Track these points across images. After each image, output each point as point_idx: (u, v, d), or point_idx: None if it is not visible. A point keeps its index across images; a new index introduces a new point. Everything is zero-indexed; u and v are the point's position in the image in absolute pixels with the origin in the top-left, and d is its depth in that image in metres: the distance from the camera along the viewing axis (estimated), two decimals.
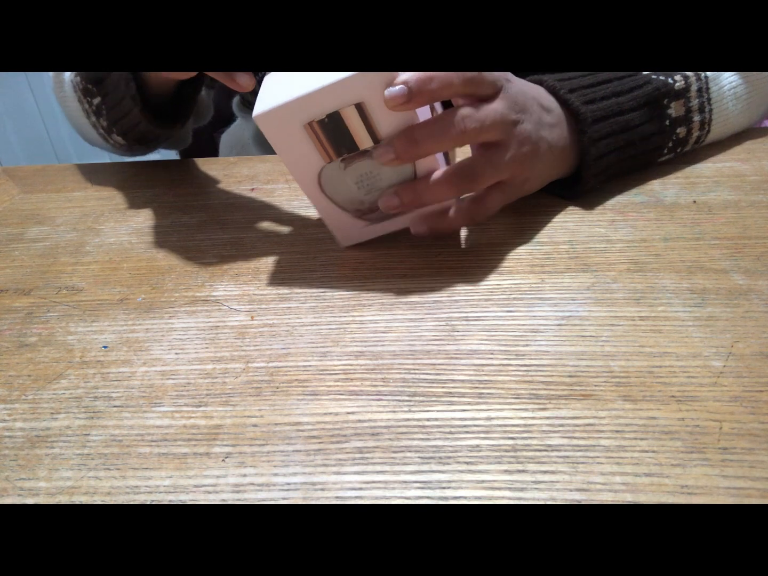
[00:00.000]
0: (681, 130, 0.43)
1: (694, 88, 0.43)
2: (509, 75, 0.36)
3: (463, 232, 0.40)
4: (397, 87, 0.31)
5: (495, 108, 0.34)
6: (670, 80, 0.42)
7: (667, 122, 0.42)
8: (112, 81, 0.46)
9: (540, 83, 0.40)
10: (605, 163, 0.40)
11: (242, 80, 0.35)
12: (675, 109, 0.42)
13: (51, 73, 0.52)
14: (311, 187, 0.36)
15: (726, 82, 0.44)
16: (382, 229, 0.38)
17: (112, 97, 0.47)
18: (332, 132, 0.33)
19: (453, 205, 0.36)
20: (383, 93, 0.31)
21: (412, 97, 0.31)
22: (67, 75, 0.49)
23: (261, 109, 0.32)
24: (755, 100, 0.47)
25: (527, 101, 0.36)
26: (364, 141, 0.33)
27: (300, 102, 0.31)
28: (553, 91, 0.39)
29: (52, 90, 0.55)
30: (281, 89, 0.33)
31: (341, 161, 0.34)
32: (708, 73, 0.43)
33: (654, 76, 0.42)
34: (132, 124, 0.48)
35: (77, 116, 0.51)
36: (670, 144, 0.43)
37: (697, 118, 0.43)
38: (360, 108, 0.32)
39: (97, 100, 0.48)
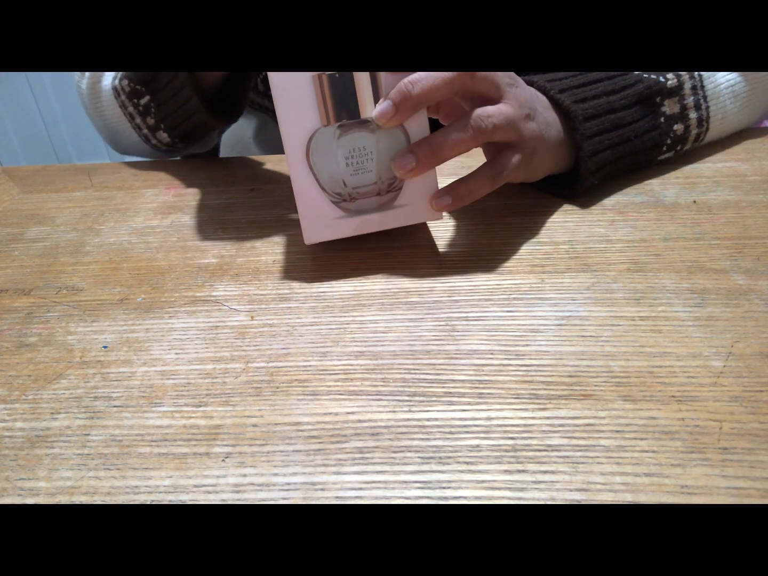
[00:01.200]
0: (678, 127, 0.43)
1: (687, 86, 0.43)
2: (512, 74, 0.36)
3: (463, 233, 0.40)
4: (383, 104, 0.32)
5: (506, 110, 0.34)
6: (661, 78, 0.42)
7: (662, 119, 0.42)
8: (164, 77, 0.47)
9: (530, 85, 0.40)
10: (601, 160, 0.40)
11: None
12: (669, 107, 0.42)
13: (83, 88, 0.54)
14: (298, 154, 0.34)
15: (723, 79, 0.44)
16: (352, 227, 0.36)
17: (163, 93, 0.48)
18: (339, 91, 0.32)
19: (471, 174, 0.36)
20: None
21: (398, 109, 0.32)
22: (106, 84, 0.52)
23: None
24: (755, 98, 0.47)
25: (530, 101, 0.37)
26: (367, 108, 0.33)
27: None
28: (543, 92, 0.40)
29: (83, 106, 0.57)
30: None
31: (338, 127, 0.34)
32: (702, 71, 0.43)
33: (645, 75, 0.42)
34: (187, 115, 0.49)
35: (116, 123, 0.53)
36: (669, 141, 0.43)
37: (693, 115, 0.43)
38: (374, 75, 0.32)
39: (145, 100, 0.49)
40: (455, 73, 0.32)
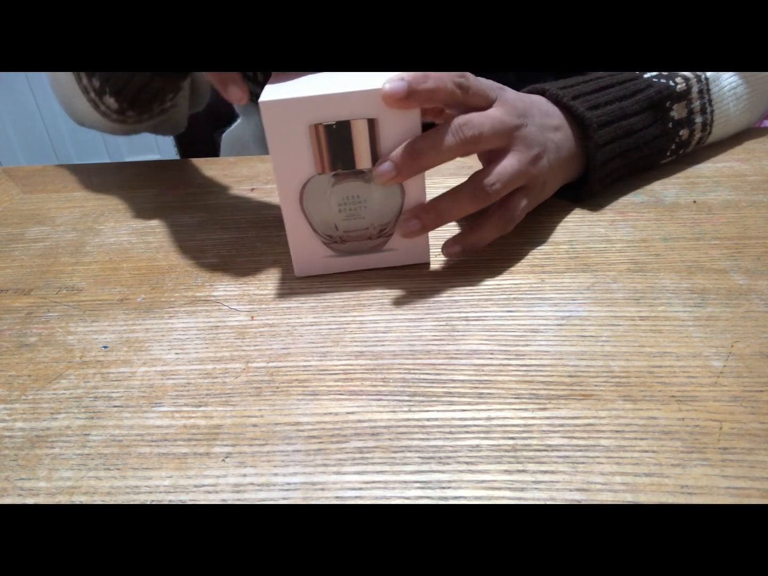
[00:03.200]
0: (684, 132, 0.43)
1: (695, 89, 0.43)
2: (502, 86, 0.36)
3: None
4: (396, 82, 0.30)
5: (493, 114, 0.33)
6: (671, 83, 0.42)
7: (670, 124, 0.42)
8: None
9: (542, 93, 0.40)
10: (610, 167, 0.40)
11: (233, 92, 0.33)
12: (677, 111, 0.42)
13: None
14: (291, 197, 0.34)
15: (726, 83, 0.44)
16: (343, 265, 0.36)
17: None
18: (336, 141, 0.32)
19: (479, 220, 0.35)
20: (397, 114, 0.31)
21: (411, 93, 0.30)
22: None
23: (270, 97, 0.31)
24: (755, 100, 0.47)
25: (527, 106, 0.36)
26: (363, 160, 0.33)
27: (315, 100, 0.31)
28: (555, 100, 0.39)
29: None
30: (298, 85, 0.32)
31: (333, 176, 0.33)
32: (708, 75, 0.43)
33: (655, 80, 0.42)
34: (125, 80, 0.45)
35: (67, 82, 0.49)
36: (673, 146, 0.43)
37: (699, 119, 0.43)
38: (371, 124, 0.32)
39: None
40: (459, 141, 0.32)
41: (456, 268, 0.36)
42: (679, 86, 0.42)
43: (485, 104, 0.34)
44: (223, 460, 0.25)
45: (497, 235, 0.35)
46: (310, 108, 0.31)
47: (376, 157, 0.33)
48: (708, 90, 0.43)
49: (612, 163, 0.40)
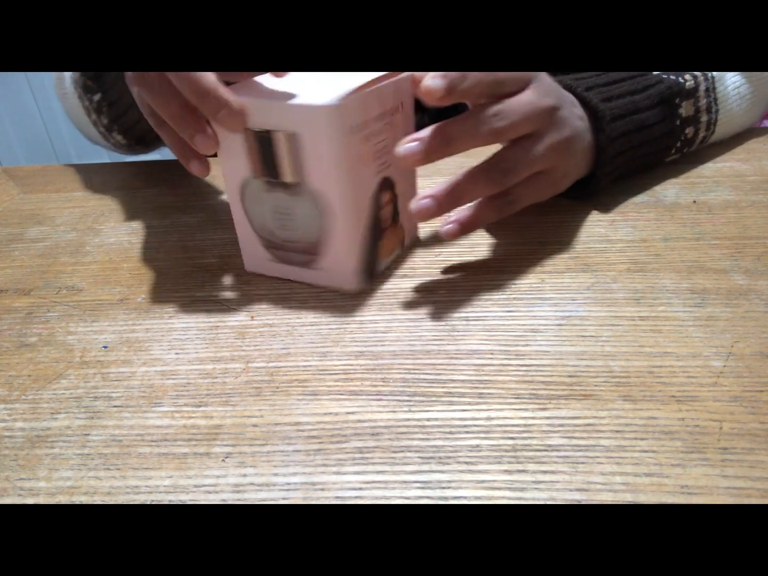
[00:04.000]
0: (689, 131, 0.43)
1: (702, 87, 0.42)
2: (537, 72, 0.35)
3: None
4: (435, 80, 0.29)
5: (526, 100, 0.32)
6: (680, 79, 0.42)
7: (678, 122, 0.42)
8: (112, 77, 0.44)
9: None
10: (619, 161, 0.40)
11: (194, 167, 0.33)
12: (685, 109, 0.42)
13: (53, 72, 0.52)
14: (234, 195, 0.34)
15: (730, 82, 0.44)
16: (280, 271, 0.36)
17: (111, 93, 0.45)
18: (264, 148, 0.31)
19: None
20: (325, 128, 0.29)
21: (450, 91, 0.29)
22: (68, 72, 0.48)
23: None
24: (757, 100, 0.47)
25: (560, 91, 0.35)
26: (287, 173, 0.32)
27: (249, 104, 0.30)
28: (570, 90, 0.38)
29: (53, 87, 0.54)
30: (256, 88, 0.32)
31: (266, 182, 0.33)
32: (714, 73, 0.43)
33: (665, 76, 0.41)
34: (132, 121, 0.46)
35: (78, 113, 0.49)
36: (678, 144, 0.43)
37: (704, 118, 0.43)
38: (293, 139, 0.30)
39: (97, 97, 0.46)
40: (490, 130, 0.31)
41: (456, 268, 0.36)
42: (688, 83, 0.42)
43: (519, 89, 0.33)
44: (223, 460, 0.25)
45: (496, 217, 0.34)
46: (246, 111, 0.30)
47: (299, 172, 0.31)
48: (714, 89, 0.43)
49: (620, 158, 0.39)
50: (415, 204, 0.32)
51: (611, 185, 0.42)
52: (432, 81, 0.30)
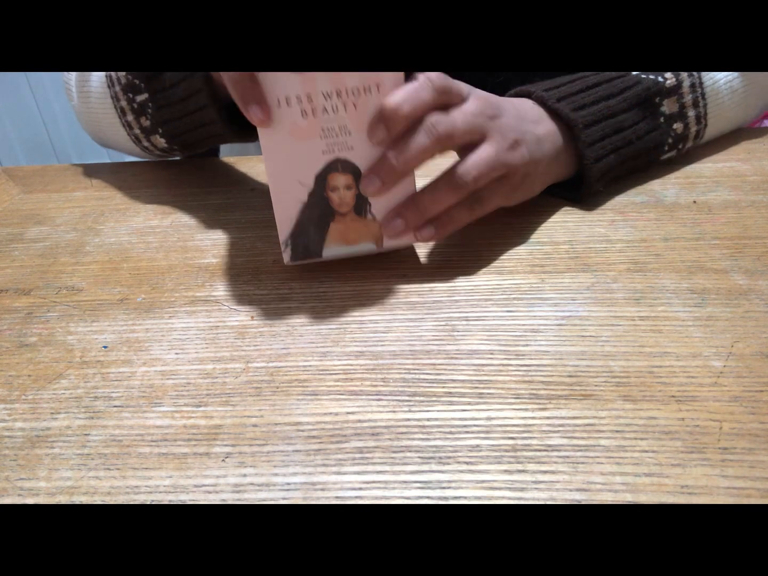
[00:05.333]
0: (678, 126, 0.43)
1: (686, 84, 0.43)
2: (493, 103, 0.35)
3: (463, 233, 0.39)
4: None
5: (465, 109, 0.33)
6: (660, 78, 0.42)
7: (662, 119, 0.42)
8: (169, 77, 0.43)
9: (528, 95, 0.40)
10: (605, 165, 0.40)
11: (254, 113, 0.32)
12: (668, 107, 0.42)
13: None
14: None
15: (721, 75, 0.44)
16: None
17: (166, 95, 0.44)
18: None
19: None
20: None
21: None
22: (98, 71, 0.47)
23: None
24: (752, 93, 0.46)
25: (500, 102, 0.36)
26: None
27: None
28: (541, 102, 0.39)
29: (64, 86, 0.52)
30: None
31: None
32: None
33: (644, 76, 0.42)
34: (196, 125, 0.44)
35: (101, 113, 0.48)
36: (670, 140, 0.43)
37: (691, 113, 0.43)
38: None
39: (141, 98, 0.45)
40: (433, 139, 0.32)
41: (456, 268, 0.36)
42: (668, 81, 0.42)
43: (458, 101, 0.34)
44: (223, 460, 0.25)
45: (469, 217, 0.35)
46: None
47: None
48: (701, 83, 0.43)
49: (606, 161, 0.40)
50: (385, 224, 0.34)
51: (610, 185, 0.42)
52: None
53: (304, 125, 0.32)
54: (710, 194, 0.42)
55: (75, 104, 0.52)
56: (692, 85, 0.43)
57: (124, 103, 0.46)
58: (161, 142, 0.48)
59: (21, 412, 0.28)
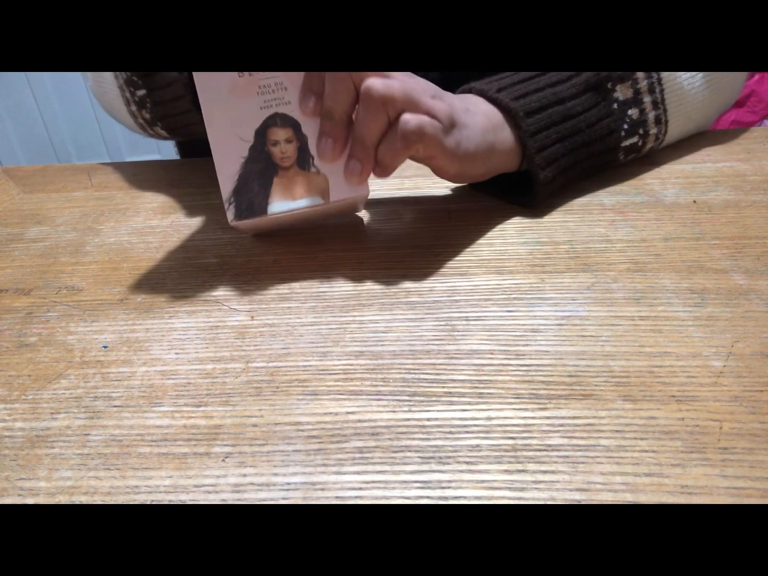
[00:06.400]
0: (633, 112, 0.42)
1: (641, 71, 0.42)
2: (436, 87, 0.36)
3: (463, 233, 0.40)
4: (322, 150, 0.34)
5: (406, 80, 0.34)
6: None
7: (615, 105, 0.41)
8: (162, 77, 0.44)
9: (470, 90, 0.40)
10: (552, 154, 0.39)
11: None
12: (621, 92, 0.41)
13: None
14: None
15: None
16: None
17: (160, 94, 0.45)
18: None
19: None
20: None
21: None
22: None
23: None
24: (717, 78, 0.45)
25: (443, 91, 0.36)
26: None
27: None
28: (482, 95, 0.39)
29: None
30: None
31: None
32: None
33: None
34: (188, 122, 0.46)
35: (113, 100, 0.49)
36: (626, 126, 0.42)
37: (647, 98, 0.42)
38: None
39: (141, 93, 0.46)
40: (379, 114, 0.32)
41: (456, 268, 0.36)
42: None
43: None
44: (223, 460, 0.25)
45: (394, 153, 0.34)
46: None
47: None
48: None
49: (552, 150, 0.39)
50: (345, 171, 0.35)
51: (566, 177, 0.41)
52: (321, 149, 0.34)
53: (242, 83, 0.33)
54: (710, 194, 0.42)
55: (91, 85, 0.53)
56: (647, 71, 0.42)
57: (128, 95, 0.47)
58: (163, 133, 0.50)
59: (21, 412, 0.28)
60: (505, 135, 0.38)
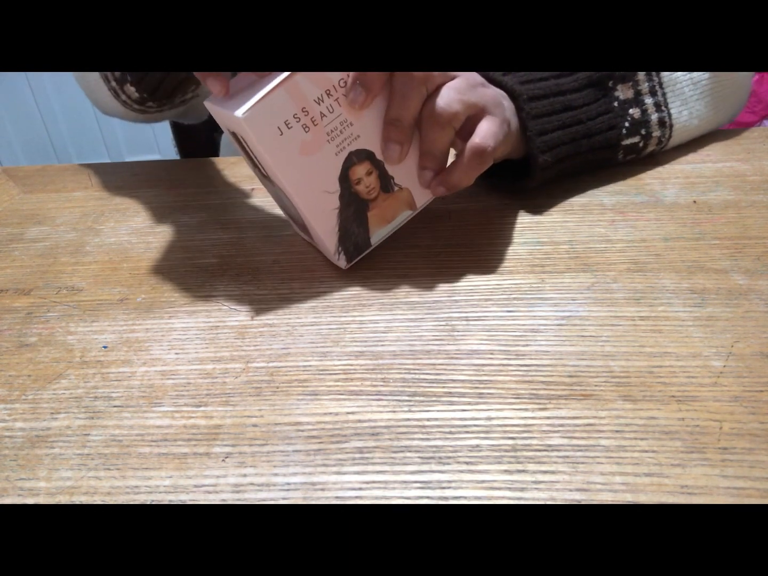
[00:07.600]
0: (634, 111, 0.42)
1: (641, 71, 0.42)
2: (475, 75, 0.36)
3: (463, 233, 0.40)
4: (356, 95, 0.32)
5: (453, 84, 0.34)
6: None
7: (615, 104, 0.42)
8: None
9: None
10: (553, 140, 0.39)
11: (212, 84, 0.32)
12: (622, 92, 0.42)
13: None
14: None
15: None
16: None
17: None
18: (241, 146, 0.33)
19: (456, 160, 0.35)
20: (249, 135, 0.30)
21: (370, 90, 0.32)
22: None
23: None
24: (719, 87, 0.45)
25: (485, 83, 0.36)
26: (260, 166, 0.34)
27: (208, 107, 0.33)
28: (488, 79, 0.39)
29: None
30: (233, 83, 0.33)
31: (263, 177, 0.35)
32: None
33: None
34: (161, 77, 0.46)
35: (89, 73, 0.49)
36: (627, 124, 0.42)
37: (649, 100, 0.43)
38: (243, 141, 0.32)
39: None
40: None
41: (456, 268, 0.36)
42: None
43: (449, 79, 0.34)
44: (223, 460, 0.25)
45: (474, 171, 0.35)
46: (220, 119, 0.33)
47: (263, 167, 0.33)
48: (657, 73, 0.43)
49: (552, 136, 0.39)
50: (419, 178, 0.36)
51: (564, 168, 0.41)
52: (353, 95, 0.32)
53: (311, 139, 0.32)
54: (710, 194, 0.42)
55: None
56: (648, 74, 0.43)
57: None
58: (132, 91, 0.48)
59: (21, 412, 0.28)
60: (514, 119, 0.39)
